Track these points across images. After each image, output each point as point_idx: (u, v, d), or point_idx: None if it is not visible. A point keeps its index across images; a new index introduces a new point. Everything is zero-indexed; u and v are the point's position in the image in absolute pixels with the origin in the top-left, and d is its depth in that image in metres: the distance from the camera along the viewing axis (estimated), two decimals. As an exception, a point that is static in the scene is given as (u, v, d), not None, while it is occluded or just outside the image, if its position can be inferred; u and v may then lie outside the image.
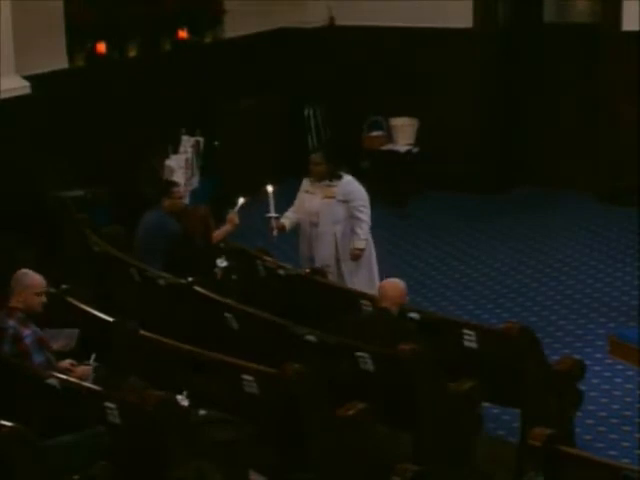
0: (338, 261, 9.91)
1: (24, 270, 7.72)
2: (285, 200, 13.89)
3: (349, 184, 9.96)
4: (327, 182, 9.89)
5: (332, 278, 9.69)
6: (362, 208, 9.89)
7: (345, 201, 9.87)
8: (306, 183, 10.11)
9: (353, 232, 9.87)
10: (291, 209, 10.17)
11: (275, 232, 9.96)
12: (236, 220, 9.90)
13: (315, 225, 9.93)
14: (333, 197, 9.88)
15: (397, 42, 14.26)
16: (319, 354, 7.74)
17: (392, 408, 7.41)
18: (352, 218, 9.87)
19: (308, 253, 10.00)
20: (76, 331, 7.85)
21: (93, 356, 7.35)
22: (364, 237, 9.87)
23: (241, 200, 9.97)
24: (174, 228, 9.64)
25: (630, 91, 13.18)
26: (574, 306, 10.98)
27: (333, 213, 9.86)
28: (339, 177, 9.91)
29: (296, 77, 14.66)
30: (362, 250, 9.86)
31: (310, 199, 9.98)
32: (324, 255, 9.87)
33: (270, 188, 9.83)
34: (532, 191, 14.25)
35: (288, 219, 10.08)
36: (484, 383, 7.65)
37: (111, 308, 8.27)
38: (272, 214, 9.91)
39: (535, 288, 11.48)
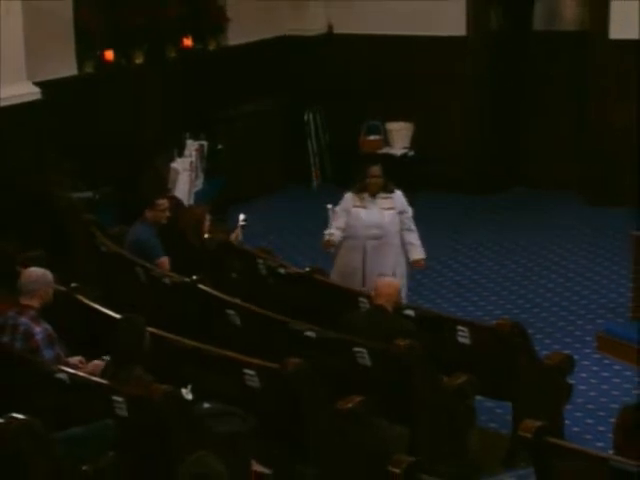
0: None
1: (33, 268, 7.71)
2: (287, 202, 13.97)
3: (402, 196, 9.76)
4: (382, 194, 9.63)
5: None
6: (412, 219, 9.74)
7: (400, 212, 9.67)
8: (352, 197, 9.72)
9: (408, 243, 9.65)
10: (335, 225, 9.71)
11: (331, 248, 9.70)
12: (240, 237, 9.75)
13: (375, 238, 9.60)
14: (393, 208, 9.65)
15: (393, 49, 14.26)
16: (318, 349, 7.75)
17: (388, 401, 7.42)
18: (404, 230, 9.66)
19: (361, 266, 9.59)
20: None
21: (105, 358, 7.35)
22: (422, 247, 9.72)
23: (242, 217, 9.78)
24: (152, 244, 9.55)
25: (618, 96, 13.20)
26: (563, 303, 10.99)
27: (396, 224, 9.63)
28: (392, 190, 9.68)
29: (296, 83, 14.66)
30: (425, 259, 9.75)
31: (366, 213, 9.62)
32: (385, 266, 9.52)
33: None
34: (524, 192, 14.27)
35: (334, 235, 9.68)
36: (477, 377, 7.67)
37: (118, 305, 8.27)
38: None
39: (526, 286, 11.49)
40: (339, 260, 9.81)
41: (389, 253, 9.62)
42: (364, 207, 9.65)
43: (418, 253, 9.70)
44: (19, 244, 9.25)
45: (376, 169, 9.76)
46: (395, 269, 9.57)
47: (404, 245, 9.68)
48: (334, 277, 9.74)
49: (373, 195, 9.64)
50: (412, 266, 9.76)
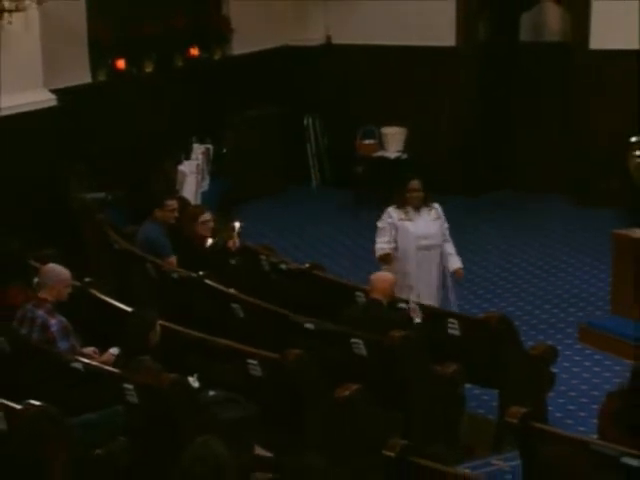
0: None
1: (52, 265, 7.71)
2: (288, 203, 13.91)
3: (439, 207, 9.43)
4: (425, 207, 9.30)
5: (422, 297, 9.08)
6: (448, 230, 9.46)
7: (441, 221, 9.42)
8: (397, 212, 9.33)
9: (448, 254, 9.34)
10: (384, 239, 9.30)
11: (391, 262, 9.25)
12: (237, 244, 9.55)
13: (425, 249, 9.27)
14: (438, 218, 9.36)
15: (388, 58, 14.27)
16: (317, 340, 7.75)
17: (383, 389, 7.42)
18: (444, 241, 9.38)
19: (413, 277, 9.25)
20: None
21: (117, 349, 7.34)
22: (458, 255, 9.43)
23: (237, 224, 9.61)
24: (161, 241, 9.52)
25: (599, 103, 13.21)
26: (547, 297, 11.00)
27: (441, 234, 9.35)
28: (433, 201, 9.38)
29: (296, 90, 14.66)
30: (463, 268, 9.46)
31: (414, 225, 9.27)
32: (436, 275, 9.29)
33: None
34: (511, 194, 14.26)
35: (388, 249, 9.27)
36: (466, 366, 7.67)
37: (129, 299, 8.27)
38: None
39: (512, 281, 11.49)
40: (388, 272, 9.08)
41: (439, 263, 9.33)
42: (410, 220, 9.29)
43: (457, 262, 9.39)
44: (36, 242, 9.23)
45: (416, 183, 9.34)
46: (446, 277, 9.34)
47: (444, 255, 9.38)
48: None
49: (416, 208, 9.31)
50: (453, 276, 9.43)
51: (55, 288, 7.49)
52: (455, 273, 9.42)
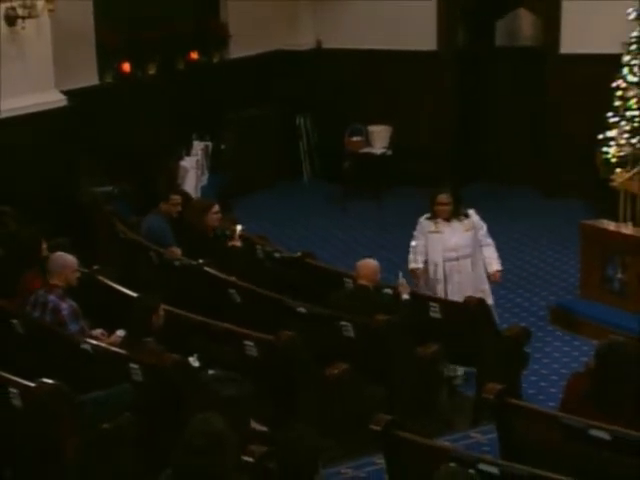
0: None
1: (59, 253, 7.71)
2: (281, 195, 13.86)
3: (474, 214, 8.90)
4: (455, 220, 8.74)
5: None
6: (487, 234, 8.91)
7: (475, 230, 8.86)
8: (428, 223, 8.81)
9: (486, 257, 8.82)
10: (416, 252, 8.83)
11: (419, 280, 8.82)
12: (238, 244, 9.40)
13: (454, 260, 8.69)
14: (470, 229, 8.77)
15: (374, 62, 14.26)
16: (308, 323, 7.75)
17: (370, 368, 7.43)
18: (481, 246, 8.83)
19: (442, 289, 8.73)
20: None
21: (123, 332, 7.33)
22: (499, 259, 8.91)
23: (239, 227, 9.52)
24: (163, 232, 9.50)
25: (569, 103, 13.22)
26: (521, 282, 11.02)
27: (473, 244, 8.78)
28: (465, 215, 8.80)
29: (289, 91, 14.64)
30: (502, 271, 8.96)
31: (442, 237, 8.71)
32: (467, 285, 8.67)
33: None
34: (487, 186, 14.23)
35: (417, 263, 8.82)
36: (446, 347, 7.68)
37: (135, 286, 8.26)
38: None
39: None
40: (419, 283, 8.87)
41: (469, 273, 8.77)
42: (439, 232, 8.75)
43: (494, 265, 8.84)
44: (49, 232, 9.20)
45: (443, 197, 8.74)
46: (479, 286, 8.82)
47: (483, 260, 8.85)
48: None
49: (446, 220, 8.76)
50: (490, 279, 8.90)
51: (63, 274, 7.49)
52: (491, 276, 8.88)
